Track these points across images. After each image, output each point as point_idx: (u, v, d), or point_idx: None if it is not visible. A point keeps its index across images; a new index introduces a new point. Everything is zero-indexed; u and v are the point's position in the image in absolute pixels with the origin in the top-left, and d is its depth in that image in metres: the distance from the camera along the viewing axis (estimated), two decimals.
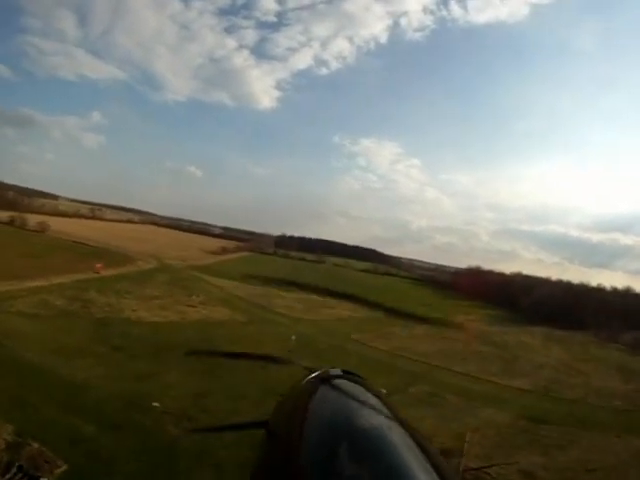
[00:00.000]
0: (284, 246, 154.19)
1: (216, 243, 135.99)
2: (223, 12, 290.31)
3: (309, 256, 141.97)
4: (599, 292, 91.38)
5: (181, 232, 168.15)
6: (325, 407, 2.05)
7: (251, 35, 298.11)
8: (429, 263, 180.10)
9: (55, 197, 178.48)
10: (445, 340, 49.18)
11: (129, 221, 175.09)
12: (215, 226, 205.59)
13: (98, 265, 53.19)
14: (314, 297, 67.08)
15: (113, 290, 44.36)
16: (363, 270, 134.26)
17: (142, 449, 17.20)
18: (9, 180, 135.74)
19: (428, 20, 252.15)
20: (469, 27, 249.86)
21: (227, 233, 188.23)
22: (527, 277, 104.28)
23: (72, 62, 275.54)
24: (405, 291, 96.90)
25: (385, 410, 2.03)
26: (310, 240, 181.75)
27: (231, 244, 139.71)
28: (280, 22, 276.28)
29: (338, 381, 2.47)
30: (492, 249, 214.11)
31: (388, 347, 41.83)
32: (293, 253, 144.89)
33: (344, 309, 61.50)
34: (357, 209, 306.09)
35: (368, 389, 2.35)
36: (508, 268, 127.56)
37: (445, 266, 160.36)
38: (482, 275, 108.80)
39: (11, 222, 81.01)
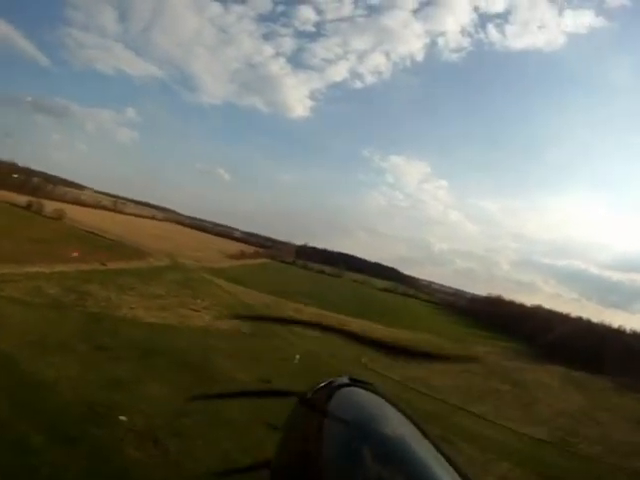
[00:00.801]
0: (305, 256, 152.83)
1: (236, 247, 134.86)
2: (262, 18, 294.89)
3: (328, 269, 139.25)
4: (620, 334, 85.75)
5: (202, 232, 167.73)
6: (343, 416, 1.83)
7: (289, 43, 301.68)
8: (448, 287, 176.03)
9: (81, 187, 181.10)
10: (462, 374, 45.09)
11: (151, 217, 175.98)
12: (237, 230, 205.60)
13: (75, 253, 49.28)
14: (329, 313, 63.91)
15: (116, 284, 42.32)
16: (382, 289, 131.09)
17: (88, 473, 14.35)
18: (38, 167, 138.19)
19: (465, 42, 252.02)
20: (506, 52, 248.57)
21: (249, 238, 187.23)
22: (548, 312, 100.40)
23: (110, 56, 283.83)
24: (424, 315, 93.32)
25: (404, 418, 1.84)
26: (331, 253, 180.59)
27: (251, 249, 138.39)
28: (318, 32, 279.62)
29: (349, 389, 2.31)
30: (511, 279, 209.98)
31: (401, 376, 38.09)
32: (312, 264, 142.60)
33: (358, 329, 57.74)
34: (381, 226, 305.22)
35: (383, 397, 2.14)
36: (526, 299, 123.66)
37: (464, 291, 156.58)
38: (502, 305, 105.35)
39: (28, 207, 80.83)
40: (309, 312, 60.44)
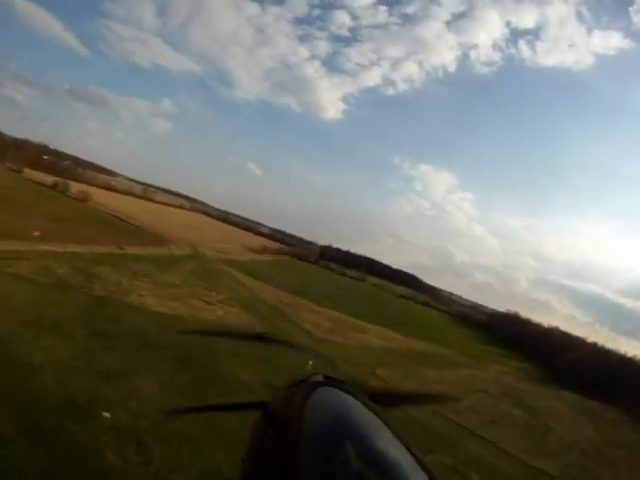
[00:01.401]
0: (328, 257, 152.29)
1: (260, 241, 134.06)
2: (299, 21, 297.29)
3: (350, 272, 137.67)
4: (634, 364, 79.08)
5: (227, 225, 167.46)
6: (320, 410, 1.85)
7: (323, 46, 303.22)
8: (467, 300, 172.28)
9: (113, 174, 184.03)
10: (476, 393, 41.89)
11: (179, 206, 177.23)
12: (264, 225, 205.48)
13: (36, 232, 41.10)
14: (347, 317, 61.37)
15: (130, 270, 41.02)
16: (402, 296, 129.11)
17: (50, 474, 12.40)
18: (72, 152, 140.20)
19: (497, 56, 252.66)
20: (537, 69, 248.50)
21: (274, 234, 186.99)
22: (564, 334, 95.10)
23: (148, 50, 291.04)
24: (441, 327, 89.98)
25: (379, 421, 1.84)
26: (355, 255, 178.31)
27: (274, 245, 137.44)
28: (353, 37, 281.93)
29: (324, 390, 2.19)
30: (528, 297, 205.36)
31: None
32: (334, 266, 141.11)
33: (375, 336, 55.00)
34: (406, 232, 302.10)
35: (357, 397, 2.01)
36: (541, 319, 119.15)
37: (481, 305, 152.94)
38: (519, 323, 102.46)
39: (53, 186, 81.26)
40: (326, 314, 57.98)
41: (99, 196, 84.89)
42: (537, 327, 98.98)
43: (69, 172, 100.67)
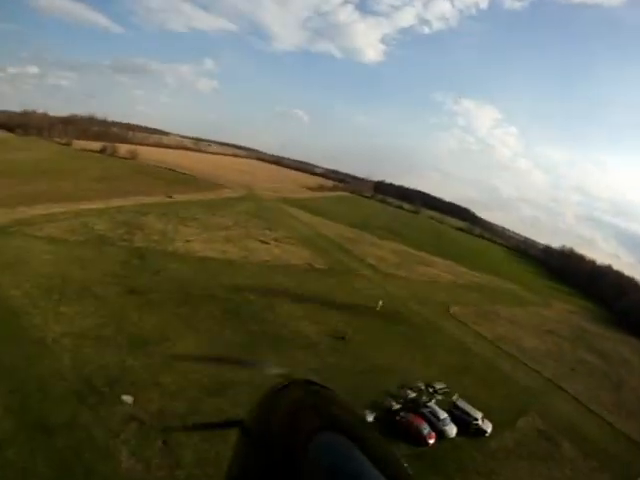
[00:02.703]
0: (382, 192, 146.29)
1: (316, 180, 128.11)
2: None
3: (406, 205, 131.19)
4: None
5: (282, 168, 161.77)
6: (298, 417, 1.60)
7: None
8: (517, 234, 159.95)
9: (166, 134, 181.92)
10: (550, 335, 36.34)
11: (233, 155, 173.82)
12: (318, 167, 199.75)
13: None
14: (411, 250, 55.25)
15: (178, 216, 37.57)
16: (460, 229, 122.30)
17: None
18: (122, 119, 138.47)
19: None
20: (566, 3, 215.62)
21: (329, 174, 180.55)
22: (617, 274, 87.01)
23: (181, 16, 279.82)
24: (502, 261, 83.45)
25: (351, 421, 1.67)
26: (408, 189, 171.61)
27: (330, 183, 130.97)
28: None
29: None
30: (574, 232, 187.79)
31: (492, 335, 30.58)
32: (390, 199, 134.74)
33: (443, 270, 48.96)
34: (452, 167, 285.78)
35: (335, 403, 1.74)
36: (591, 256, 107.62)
37: (532, 240, 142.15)
38: (575, 259, 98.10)
39: (102, 151, 79.30)
40: (388, 247, 52.35)
41: (149, 153, 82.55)
42: (591, 264, 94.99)
43: (119, 136, 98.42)
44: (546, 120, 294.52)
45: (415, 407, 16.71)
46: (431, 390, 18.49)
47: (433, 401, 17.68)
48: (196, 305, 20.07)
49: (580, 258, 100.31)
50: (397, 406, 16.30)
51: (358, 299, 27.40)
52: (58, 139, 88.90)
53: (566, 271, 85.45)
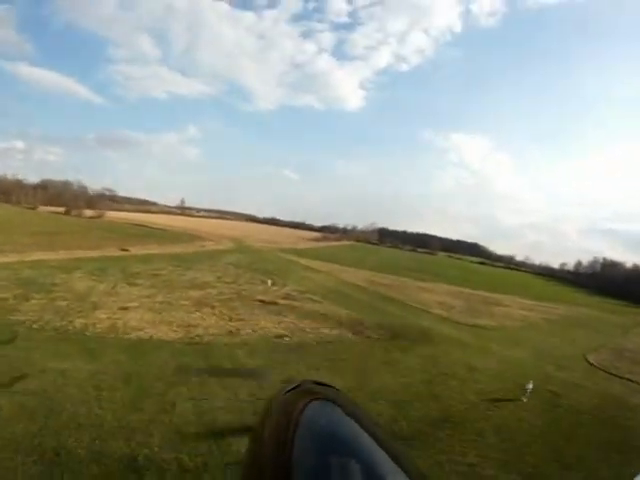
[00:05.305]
0: (388, 239, 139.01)
1: (316, 236, 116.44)
2: (296, 18, 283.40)
3: (419, 249, 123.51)
4: None
5: (279, 227, 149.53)
6: (312, 420, 1.42)
7: (328, 38, 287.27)
8: (529, 259, 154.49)
9: (153, 204, 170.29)
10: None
11: (221, 217, 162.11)
12: (314, 226, 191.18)
13: None
14: (465, 290, 42.77)
15: (124, 272, 24.06)
16: (480, 262, 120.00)
17: None
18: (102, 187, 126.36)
19: (498, 3, 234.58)
20: (538, 7, 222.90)
21: (328, 227, 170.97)
22: None
23: (160, 82, 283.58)
24: (545, 287, 74.30)
25: (362, 424, 1.44)
26: (411, 234, 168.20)
27: (331, 236, 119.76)
28: (354, 22, 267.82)
29: (318, 405, 1.63)
30: (580, 248, 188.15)
31: None
32: (400, 245, 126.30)
33: (517, 307, 37.13)
34: (450, 205, 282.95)
35: (346, 410, 1.55)
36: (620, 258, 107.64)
37: (546, 263, 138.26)
38: (608, 266, 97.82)
39: (66, 212, 71.08)
40: (440, 289, 41.18)
41: (123, 214, 70.44)
42: (624, 267, 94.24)
43: (101, 204, 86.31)
44: (537, 137, 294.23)
45: None
46: None
47: None
48: None
49: (610, 264, 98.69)
50: None
51: (473, 389, 13.08)
52: (26, 204, 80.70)
53: (605, 282, 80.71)
